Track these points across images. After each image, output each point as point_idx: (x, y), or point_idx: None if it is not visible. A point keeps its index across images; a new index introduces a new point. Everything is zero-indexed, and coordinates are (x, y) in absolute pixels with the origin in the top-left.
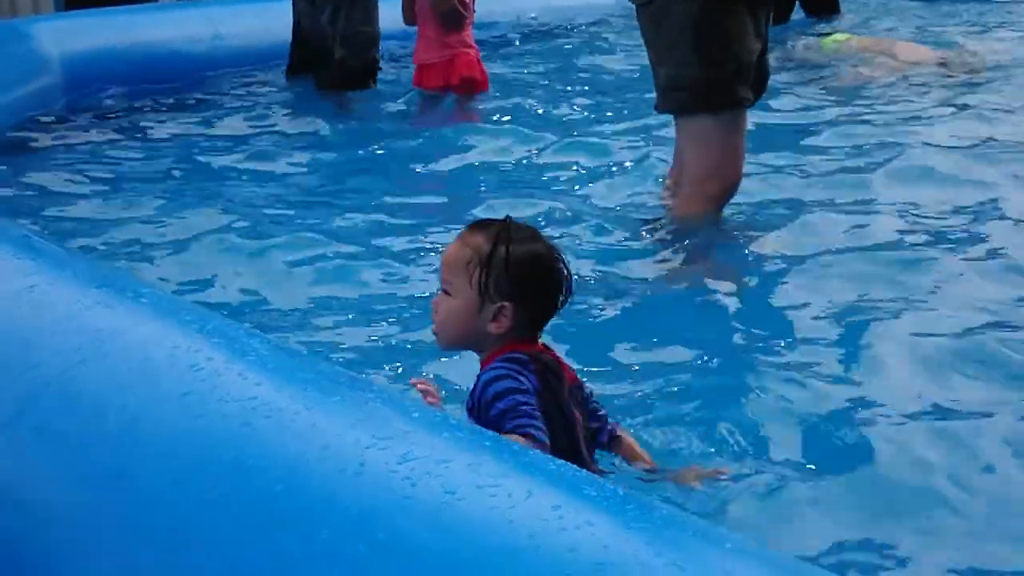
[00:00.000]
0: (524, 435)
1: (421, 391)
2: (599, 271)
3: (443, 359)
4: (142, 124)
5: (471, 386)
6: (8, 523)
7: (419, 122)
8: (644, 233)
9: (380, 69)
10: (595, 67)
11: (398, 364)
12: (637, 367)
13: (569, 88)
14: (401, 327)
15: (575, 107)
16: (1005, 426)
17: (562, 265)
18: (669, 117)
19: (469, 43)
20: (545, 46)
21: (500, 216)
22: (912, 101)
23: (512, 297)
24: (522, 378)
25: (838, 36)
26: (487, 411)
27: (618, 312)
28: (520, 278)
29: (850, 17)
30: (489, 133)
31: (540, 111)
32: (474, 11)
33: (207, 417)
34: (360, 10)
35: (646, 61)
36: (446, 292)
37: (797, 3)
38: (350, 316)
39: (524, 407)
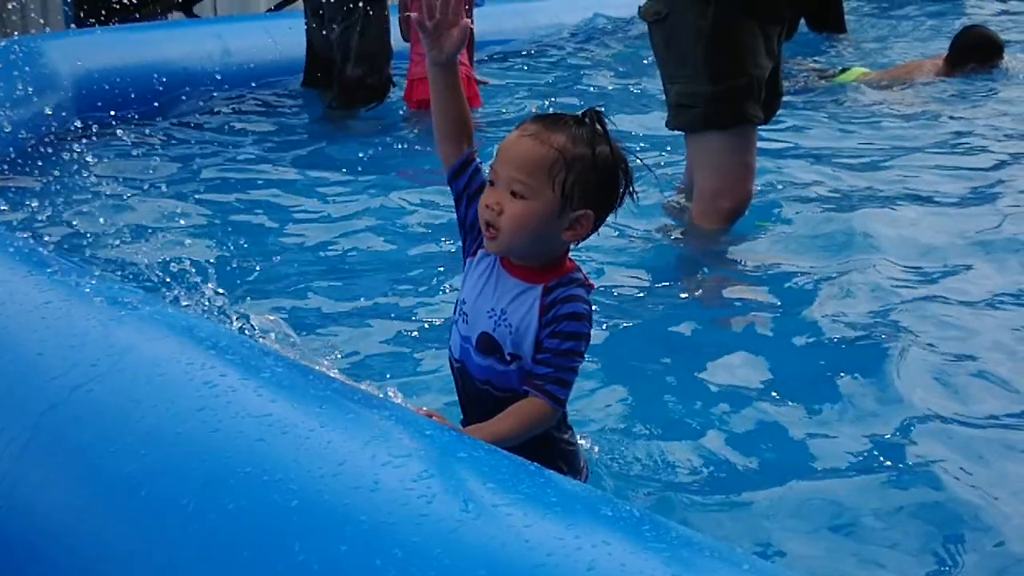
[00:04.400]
0: (555, 399)
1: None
2: (610, 280)
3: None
4: (153, 140)
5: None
6: (25, 534)
7: (413, 131)
8: (663, 234)
9: (394, 85)
10: (606, 79)
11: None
12: (643, 375)
13: (578, 100)
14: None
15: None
16: None
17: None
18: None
19: (461, 60)
20: (552, 58)
21: None
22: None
23: (595, 204)
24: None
25: (854, 71)
26: (554, 328)
27: (629, 322)
28: (607, 184)
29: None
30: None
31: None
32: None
33: (223, 432)
34: (375, 27)
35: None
36: (516, 194)
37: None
38: (363, 323)
39: (577, 362)
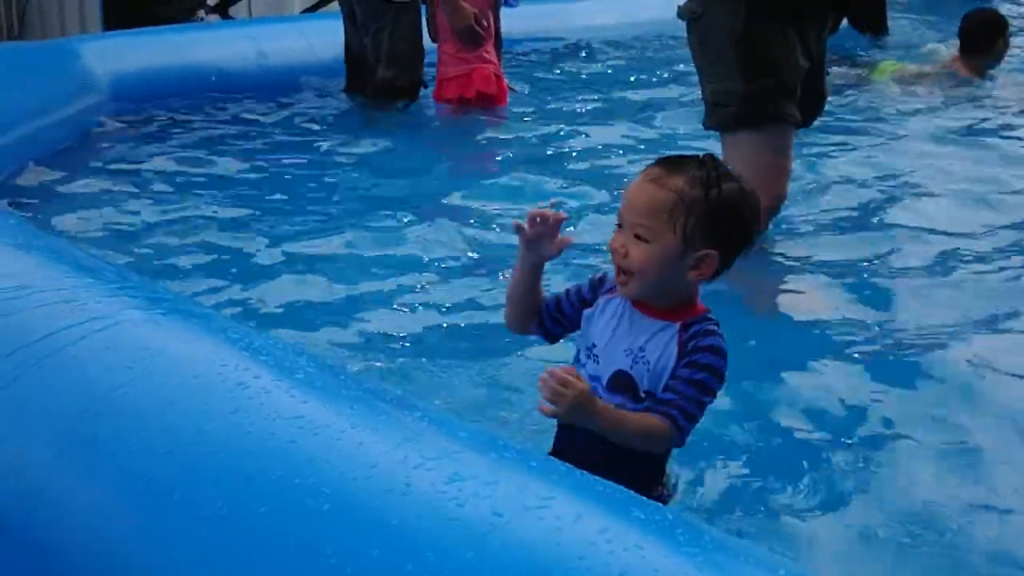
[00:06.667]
0: (677, 424)
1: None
2: None
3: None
4: (185, 140)
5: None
6: (57, 537)
7: (443, 130)
8: None
9: (426, 86)
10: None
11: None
12: None
13: (604, 94)
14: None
15: (613, 113)
16: None
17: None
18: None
19: (488, 58)
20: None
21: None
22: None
23: (718, 243)
24: None
25: (887, 66)
26: (691, 359)
27: None
28: (728, 223)
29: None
30: (515, 140)
31: (576, 119)
32: (497, 28)
33: (255, 435)
34: (405, 27)
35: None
36: (640, 237)
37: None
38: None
39: (707, 399)
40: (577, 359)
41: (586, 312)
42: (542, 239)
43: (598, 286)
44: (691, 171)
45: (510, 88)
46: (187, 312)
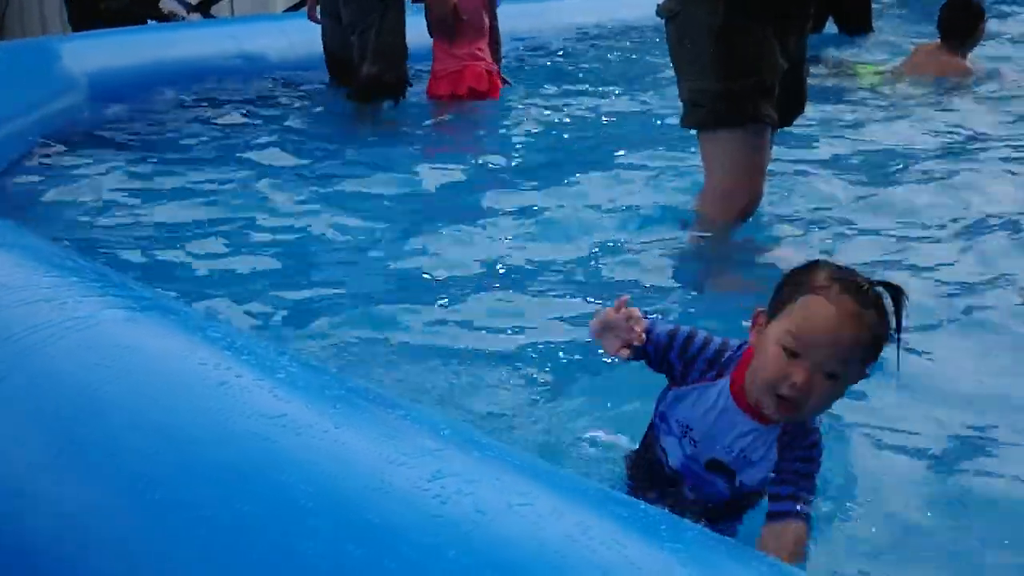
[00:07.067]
0: (809, 520)
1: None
2: (621, 274)
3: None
4: (163, 137)
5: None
6: (38, 535)
7: (435, 128)
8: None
9: (411, 84)
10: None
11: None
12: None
13: (604, 89)
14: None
15: (608, 109)
16: None
17: None
18: None
19: (480, 56)
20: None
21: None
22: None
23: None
24: None
25: (871, 68)
26: (797, 455)
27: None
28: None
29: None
30: (505, 136)
31: (568, 112)
32: (492, 26)
33: (236, 433)
34: (391, 23)
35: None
36: (831, 375)
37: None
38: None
39: (813, 496)
40: (664, 425)
41: (679, 391)
42: (612, 332)
43: (716, 364)
44: (873, 297)
45: (504, 81)
46: (167, 311)
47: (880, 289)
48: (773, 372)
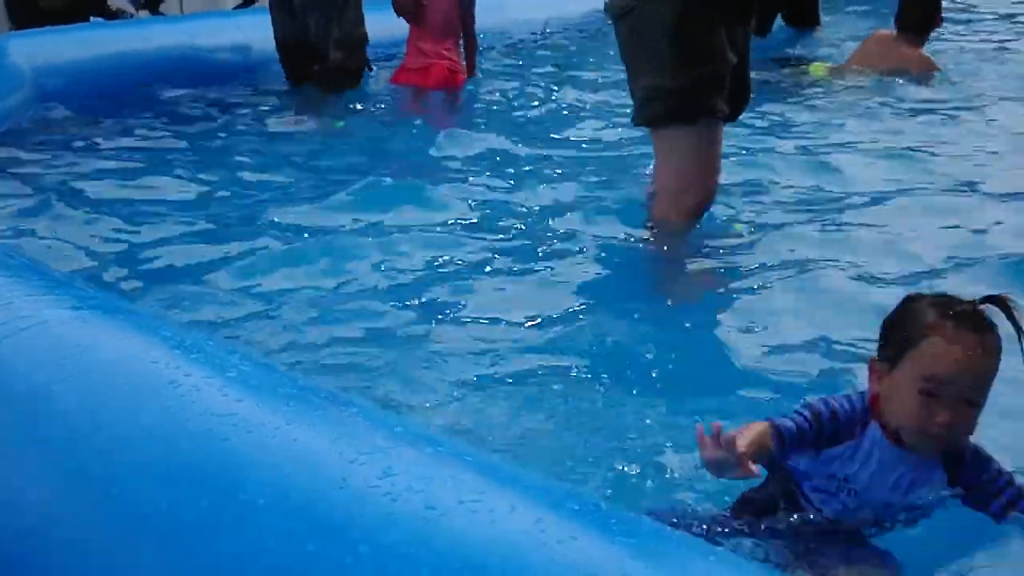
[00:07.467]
0: None
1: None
2: (578, 273)
3: None
4: (118, 140)
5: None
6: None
7: (403, 115)
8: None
9: (371, 69)
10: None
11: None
12: (622, 370)
13: (561, 88)
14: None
15: (570, 107)
16: None
17: None
18: None
19: (447, 55)
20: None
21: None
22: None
23: None
24: None
25: (818, 67)
26: (983, 465)
27: (613, 325)
28: None
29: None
30: (475, 129)
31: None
32: (469, 26)
33: (188, 432)
34: (352, 12)
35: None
36: (971, 402)
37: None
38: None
39: None
40: (809, 483)
41: (827, 454)
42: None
43: (853, 423)
44: (987, 319)
45: (475, 71)
46: (117, 310)
47: (986, 306)
48: (919, 418)
